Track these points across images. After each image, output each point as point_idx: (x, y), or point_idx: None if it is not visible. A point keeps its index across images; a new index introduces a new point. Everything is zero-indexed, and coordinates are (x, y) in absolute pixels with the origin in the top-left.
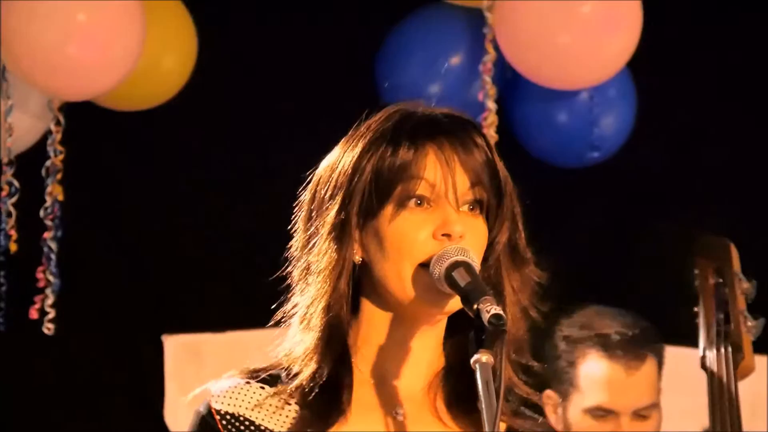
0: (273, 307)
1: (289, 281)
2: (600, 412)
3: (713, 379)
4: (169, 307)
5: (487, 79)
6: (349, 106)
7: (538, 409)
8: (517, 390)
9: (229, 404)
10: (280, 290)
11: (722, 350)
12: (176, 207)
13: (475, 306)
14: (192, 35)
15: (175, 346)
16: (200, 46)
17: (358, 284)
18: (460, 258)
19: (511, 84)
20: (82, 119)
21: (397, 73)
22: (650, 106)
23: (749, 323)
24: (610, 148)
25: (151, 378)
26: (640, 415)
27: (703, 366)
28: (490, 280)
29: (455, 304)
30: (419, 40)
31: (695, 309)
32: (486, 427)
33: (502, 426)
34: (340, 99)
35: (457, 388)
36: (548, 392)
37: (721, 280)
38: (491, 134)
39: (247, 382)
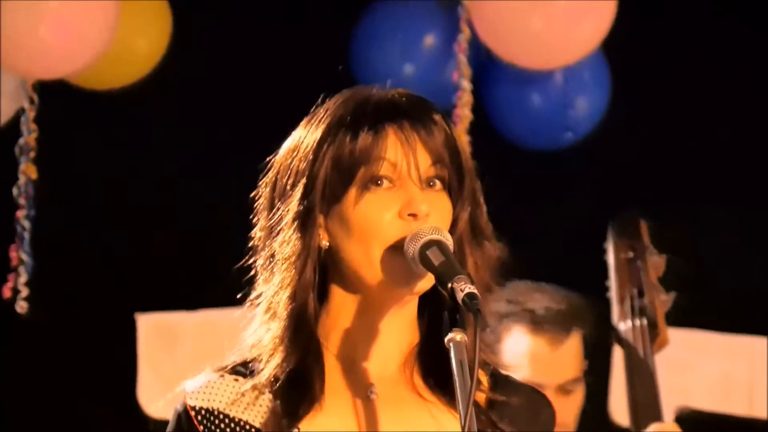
0: (246, 287)
1: (254, 268)
2: None
3: (630, 352)
4: (142, 287)
5: (462, 58)
6: (325, 88)
7: None
8: (489, 360)
9: (203, 400)
10: (252, 270)
11: (637, 324)
12: (149, 186)
13: (450, 285)
14: (166, 15)
15: (148, 325)
16: (174, 27)
17: (324, 270)
18: (434, 237)
19: (485, 66)
20: (56, 99)
21: (372, 53)
22: (624, 87)
23: (662, 297)
24: (583, 130)
25: (123, 357)
26: (564, 389)
27: (618, 340)
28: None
29: (425, 284)
30: (394, 21)
31: (607, 284)
32: (460, 407)
33: (482, 398)
34: (315, 80)
35: (433, 362)
36: None
37: (633, 255)
38: (465, 114)
39: (221, 376)
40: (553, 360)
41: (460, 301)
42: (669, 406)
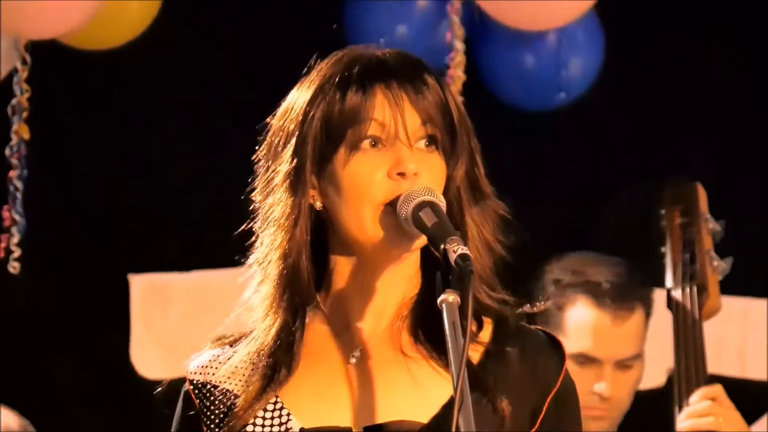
0: (240, 248)
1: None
2: (583, 359)
3: (678, 318)
4: (135, 247)
5: (455, 19)
6: (319, 49)
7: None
8: (490, 311)
9: (201, 374)
10: (246, 230)
11: (687, 290)
12: (142, 147)
13: (442, 246)
14: None
15: (141, 286)
16: None
17: (321, 231)
18: (427, 198)
19: (478, 28)
20: (48, 59)
21: (365, 14)
22: (618, 48)
23: (715, 263)
24: (577, 91)
25: (116, 318)
26: (623, 365)
27: (669, 306)
28: (451, 215)
29: (419, 243)
30: None
31: (662, 249)
32: (452, 368)
33: (478, 352)
34: (309, 41)
35: (425, 316)
36: None
37: (687, 221)
38: (458, 75)
39: (220, 348)
40: (615, 336)
41: (452, 262)
42: (662, 366)
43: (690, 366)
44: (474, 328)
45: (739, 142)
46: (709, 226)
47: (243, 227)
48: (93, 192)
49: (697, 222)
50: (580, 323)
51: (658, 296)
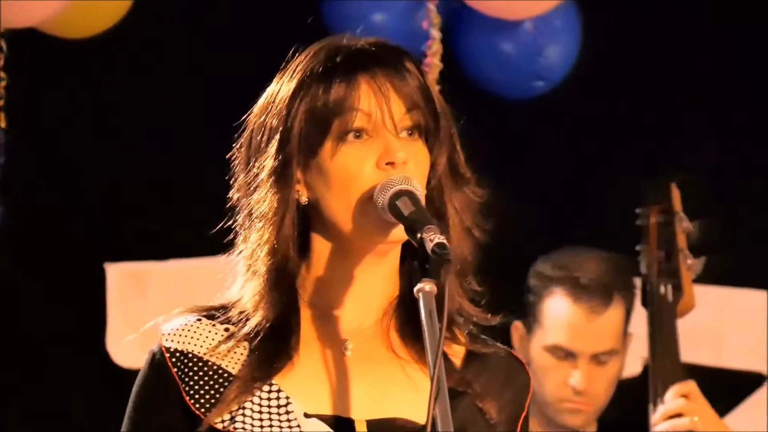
0: (217, 235)
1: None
2: (558, 352)
3: (654, 315)
4: (111, 235)
5: (432, 7)
6: (297, 40)
7: (496, 330)
8: (465, 313)
9: (179, 342)
10: (225, 219)
11: (663, 288)
12: (120, 135)
13: (419, 235)
14: None
15: (118, 275)
16: None
17: (305, 225)
18: (403, 187)
19: (456, 14)
20: (26, 47)
21: (342, 2)
22: (596, 36)
23: (690, 261)
24: (554, 78)
25: (92, 307)
26: (599, 359)
27: (644, 303)
28: (433, 202)
29: (399, 233)
30: None
31: (637, 247)
32: (429, 356)
33: (461, 350)
34: (286, 32)
35: (408, 315)
36: (517, 323)
37: (664, 220)
38: (435, 63)
39: (198, 320)
40: (590, 330)
41: (429, 251)
42: (639, 355)
43: (665, 363)
44: (455, 329)
45: (718, 130)
46: (684, 225)
47: (222, 224)
48: (70, 180)
49: (672, 221)
50: (557, 316)
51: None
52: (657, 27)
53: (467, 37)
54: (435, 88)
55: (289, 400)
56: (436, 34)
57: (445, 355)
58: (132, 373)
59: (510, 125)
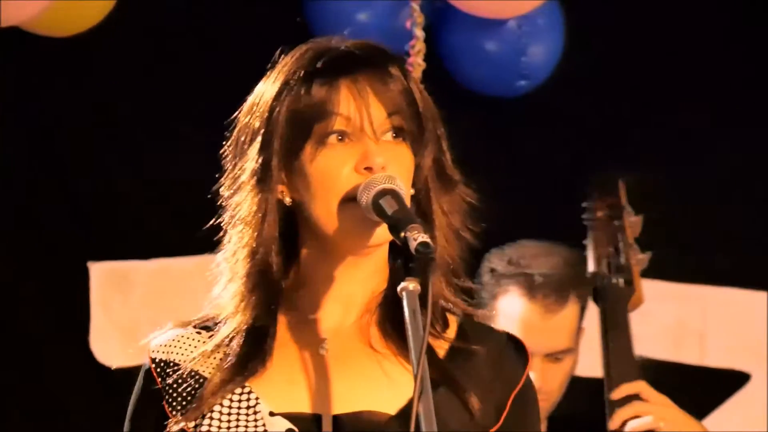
0: (200, 235)
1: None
2: None
3: (606, 311)
4: (95, 234)
5: (415, 6)
6: (282, 41)
7: None
8: (455, 309)
9: (164, 352)
10: (207, 219)
11: (613, 282)
12: (105, 134)
13: (403, 234)
14: None
15: (102, 274)
16: None
17: (292, 226)
18: (387, 186)
19: (439, 14)
20: (9, 44)
21: (325, 2)
22: (580, 36)
23: (638, 256)
24: (538, 77)
25: (76, 306)
26: (553, 357)
27: (595, 298)
28: (420, 204)
29: (382, 233)
30: None
31: (584, 242)
32: (412, 356)
33: (443, 348)
34: (272, 32)
35: (391, 311)
36: None
37: (611, 214)
38: (419, 62)
39: (185, 330)
40: (545, 329)
41: (413, 250)
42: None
43: (619, 359)
44: (439, 327)
45: (699, 127)
46: (632, 219)
47: (210, 223)
48: (53, 179)
49: (620, 215)
50: (510, 314)
51: None
52: (640, 26)
53: (451, 36)
54: (421, 91)
55: (258, 401)
56: (419, 33)
57: (430, 348)
58: (115, 372)
59: (494, 124)
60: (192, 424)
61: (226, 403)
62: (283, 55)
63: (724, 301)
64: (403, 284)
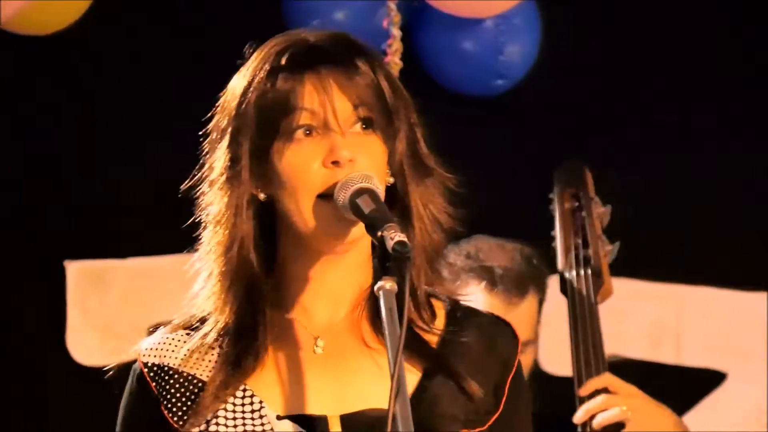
0: (177, 234)
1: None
2: None
3: (574, 303)
4: (71, 233)
5: (392, 5)
6: (258, 35)
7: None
8: (441, 296)
9: (155, 356)
10: (184, 218)
11: (582, 274)
12: (81, 133)
13: (379, 233)
14: None
15: (78, 273)
16: None
17: (271, 220)
18: (364, 185)
19: (416, 13)
20: None
21: (302, 0)
22: (556, 34)
23: (607, 247)
24: (515, 76)
25: (52, 305)
26: None
27: (563, 290)
28: (396, 193)
29: (358, 232)
30: None
31: (552, 233)
32: (389, 355)
33: (434, 338)
34: (248, 28)
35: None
36: None
37: (578, 204)
38: (396, 62)
39: (173, 331)
40: None
41: (389, 249)
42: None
43: (588, 352)
44: (427, 317)
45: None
46: (599, 210)
47: (188, 222)
48: (29, 178)
49: (587, 206)
50: None
51: (553, 282)
52: (617, 25)
53: (428, 36)
54: (391, 81)
55: (263, 404)
56: (396, 32)
57: (421, 339)
58: (92, 371)
59: (471, 123)
60: (196, 430)
61: (229, 407)
62: (254, 49)
63: (700, 300)
64: (380, 283)
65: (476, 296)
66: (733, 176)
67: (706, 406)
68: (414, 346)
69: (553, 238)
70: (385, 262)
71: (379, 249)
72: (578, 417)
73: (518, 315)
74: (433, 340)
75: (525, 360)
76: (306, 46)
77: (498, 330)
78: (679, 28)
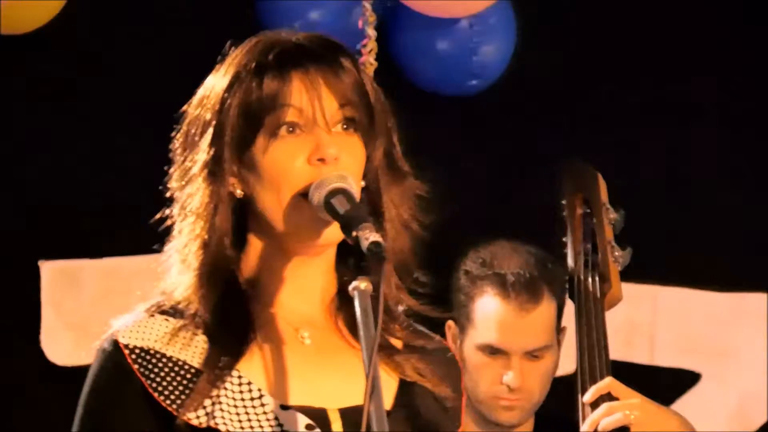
0: (152, 233)
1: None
2: (490, 350)
3: (581, 308)
4: (45, 233)
5: (367, 5)
6: (232, 35)
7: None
8: (405, 306)
9: (136, 338)
10: (160, 217)
11: (590, 280)
12: (53, 133)
13: (354, 233)
14: None
15: (52, 273)
16: None
17: (243, 219)
18: (339, 185)
19: (391, 13)
20: None
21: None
22: (532, 34)
23: (616, 253)
24: (490, 77)
25: (27, 305)
26: (532, 355)
27: (571, 295)
28: (370, 195)
29: (333, 233)
30: None
31: (563, 239)
32: (364, 355)
33: (399, 343)
34: (222, 27)
35: (352, 309)
36: (450, 322)
37: (588, 210)
38: (371, 61)
39: (151, 316)
40: (521, 327)
41: (364, 249)
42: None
43: (593, 356)
44: (394, 326)
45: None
46: (610, 216)
47: (158, 216)
48: (2, 178)
49: (598, 211)
50: (487, 315)
51: None
52: (593, 24)
53: (403, 36)
54: (373, 84)
55: (261, 392)
56: (371, 32)
57: (390, 344)
58: (67, 371)
59: (445, 124)
60: (194, 416)
61: (229, 394)
62: (233, 48)
63: (674, 300)
64: (354, 283)
65: (491, 303)
66: (705, 176)
67: (680, 406)
68: (388, 349)
69: (564, 244)
70: (360, 262)
71: (353, 249)
72: (587, 427)
73: (532, 320)
74: (398, 344)
75: (544, 366)
76: (292, 44)
77: (448, 355)
78: (658, 27)
